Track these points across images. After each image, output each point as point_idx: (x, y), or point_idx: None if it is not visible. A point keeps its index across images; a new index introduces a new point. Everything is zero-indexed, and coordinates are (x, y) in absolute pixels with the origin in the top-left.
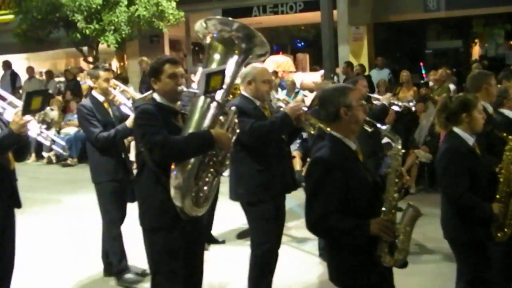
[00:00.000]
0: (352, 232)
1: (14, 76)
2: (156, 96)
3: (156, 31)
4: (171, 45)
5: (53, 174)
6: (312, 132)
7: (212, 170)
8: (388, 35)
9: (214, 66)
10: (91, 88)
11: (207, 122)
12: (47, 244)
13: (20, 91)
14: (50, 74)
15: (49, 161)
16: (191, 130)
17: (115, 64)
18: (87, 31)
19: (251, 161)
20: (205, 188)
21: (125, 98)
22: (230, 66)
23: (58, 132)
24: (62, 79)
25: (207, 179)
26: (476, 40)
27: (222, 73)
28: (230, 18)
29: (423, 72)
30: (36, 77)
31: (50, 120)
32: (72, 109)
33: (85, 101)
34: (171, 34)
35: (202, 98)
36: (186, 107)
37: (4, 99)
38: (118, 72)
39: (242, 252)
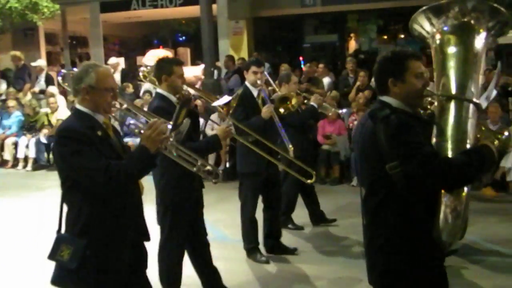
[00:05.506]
0: None
1: None
2: (392, 100)
3: (30, 24)
4: (47, 39)
5: None
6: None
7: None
8: (267, 30)
9: (453, 61)
10: None
11: (471, 133)
12: None
13: None
14: None
15: None
16: (450, 144)
17: None
18: None
19: None
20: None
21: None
22: (478, 46)
23: None
24: None
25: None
26: (352, 35)
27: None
28: None
29: (302, 66)
30: None
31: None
32: None
33: (156, 101)
34: (47, 28)
35: (454, 102)
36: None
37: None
38: None
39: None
